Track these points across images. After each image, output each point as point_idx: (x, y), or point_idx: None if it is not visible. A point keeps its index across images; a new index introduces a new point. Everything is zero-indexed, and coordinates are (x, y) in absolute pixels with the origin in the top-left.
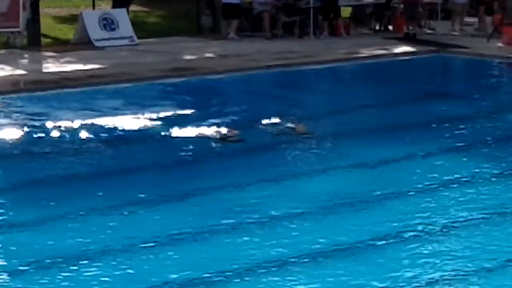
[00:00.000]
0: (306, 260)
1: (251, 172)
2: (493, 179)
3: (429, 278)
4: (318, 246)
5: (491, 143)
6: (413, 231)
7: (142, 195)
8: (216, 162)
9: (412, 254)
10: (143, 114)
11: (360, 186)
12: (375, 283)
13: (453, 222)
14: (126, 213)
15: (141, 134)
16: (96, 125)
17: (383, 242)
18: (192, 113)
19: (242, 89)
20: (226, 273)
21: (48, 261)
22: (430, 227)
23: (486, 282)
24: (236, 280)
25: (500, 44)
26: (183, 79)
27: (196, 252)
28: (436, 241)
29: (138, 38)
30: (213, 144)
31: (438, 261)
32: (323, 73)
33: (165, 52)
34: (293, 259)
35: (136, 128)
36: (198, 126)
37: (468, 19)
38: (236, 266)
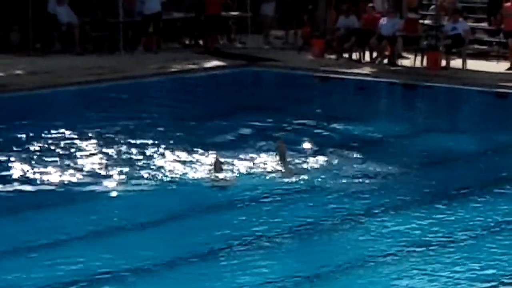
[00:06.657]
0: None
1: None
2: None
3: None
4: None
5: (304, 152)
6: None
7: None
8: None
9: None
10: None
11: None
12: None
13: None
14: None
15: None
16: None
17: None
18: None
19: (47, 106)
20: None
21: None
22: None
23: None
24: None
25: (310, 57)
26: None
27: None
28: None
29: None
30: None
31: None
32: (131, 88)
33: None
34: None
35: None
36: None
37: (277, 33)
38: None
